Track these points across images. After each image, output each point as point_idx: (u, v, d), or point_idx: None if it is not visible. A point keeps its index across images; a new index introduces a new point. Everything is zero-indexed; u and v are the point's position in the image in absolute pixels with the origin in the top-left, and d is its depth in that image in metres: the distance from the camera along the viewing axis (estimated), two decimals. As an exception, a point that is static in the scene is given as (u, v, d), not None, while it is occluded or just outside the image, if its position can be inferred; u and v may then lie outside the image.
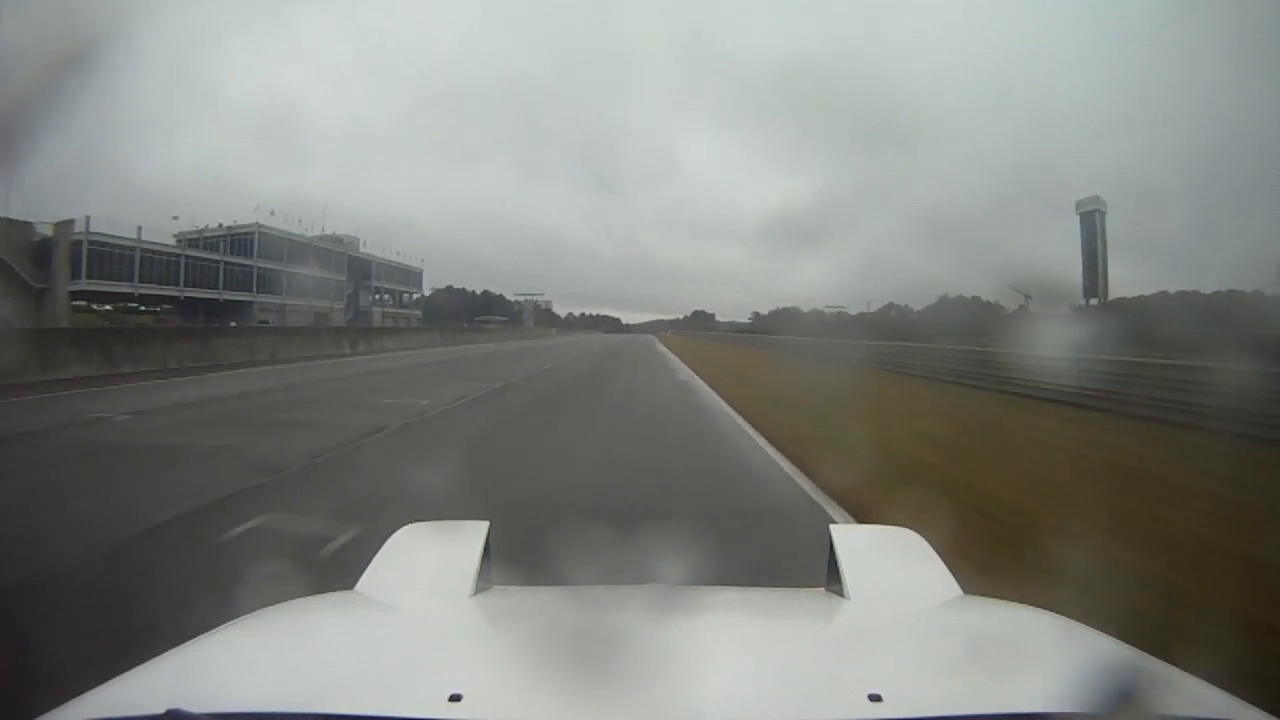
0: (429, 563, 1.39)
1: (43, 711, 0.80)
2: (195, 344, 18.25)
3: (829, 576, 1.32)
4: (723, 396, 12.64)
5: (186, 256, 43.15)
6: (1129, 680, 0.80)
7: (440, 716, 0.75)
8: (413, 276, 70.03)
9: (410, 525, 1.52)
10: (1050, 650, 1.06)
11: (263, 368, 17.88)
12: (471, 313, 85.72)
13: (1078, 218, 46.64)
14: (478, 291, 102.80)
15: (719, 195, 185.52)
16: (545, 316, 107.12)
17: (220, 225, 47.27)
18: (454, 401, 11.28)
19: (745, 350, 35.40)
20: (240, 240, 48.06)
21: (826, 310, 71.17)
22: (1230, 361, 9.82)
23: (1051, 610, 1.19)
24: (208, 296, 43.89)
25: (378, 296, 62.58)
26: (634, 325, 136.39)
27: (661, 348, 43.10)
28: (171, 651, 0.98)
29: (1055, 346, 13.59)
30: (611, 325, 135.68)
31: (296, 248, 51.69)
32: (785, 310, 73.69)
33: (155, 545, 3.94)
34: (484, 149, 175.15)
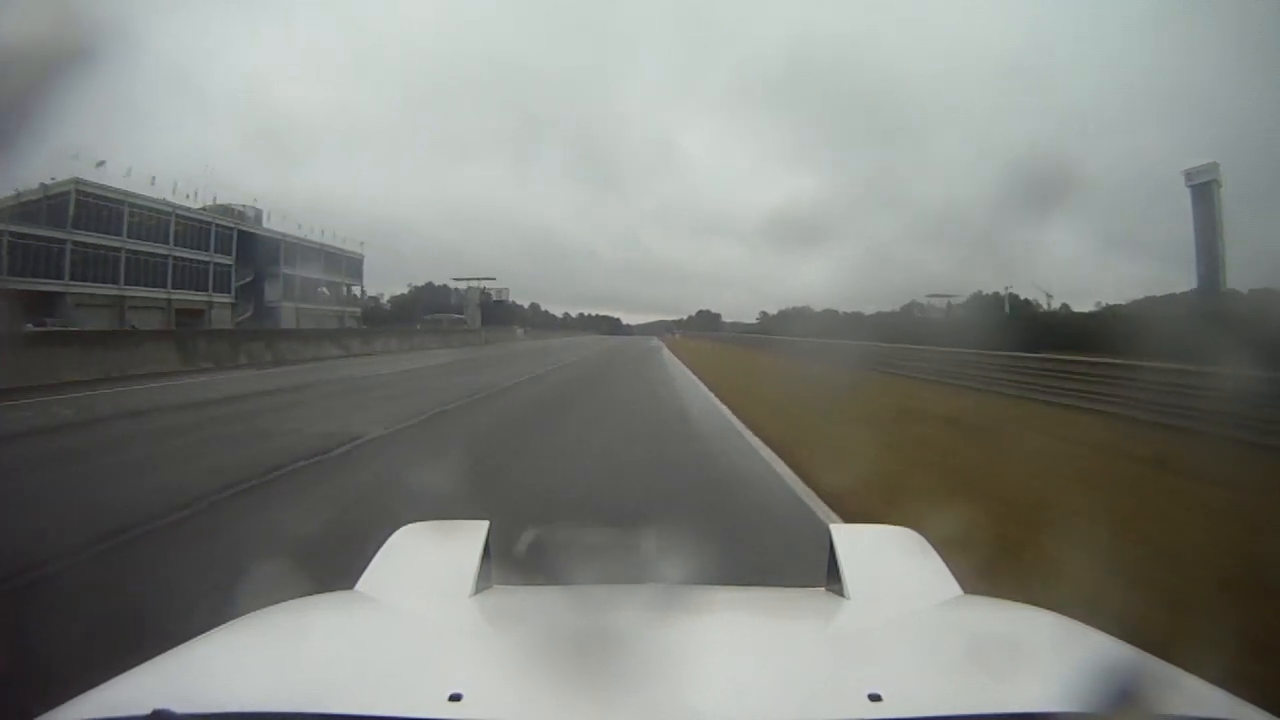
0: (429, 562, 1.39)
1: (42, 712, 0.80)
2: None
3: (829, 576, 1.32)
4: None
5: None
6: (1129, 680, 0.81)
7: (440, 716, 0.75)
8: (348, 265, 53.11)
9: (410, 525, 1.53)
10: (1050, 650, 1.06)
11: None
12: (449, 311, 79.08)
13: (1188, 191, 37.69)
14: (463, 288, 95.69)
15: (722, 191, 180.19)
16: (507, 312, 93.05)
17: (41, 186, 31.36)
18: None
19: (795, 362, 22.59)
20: (58, 206, 32.02)
21: (841, 311, 68.40)
22: None
23: (1052, 610, 1.18)
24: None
25: (323, 290, 50.36)
26: (635, 326, 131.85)
27: (672, 357, 29.31)
28: (171, 651, 0.98)
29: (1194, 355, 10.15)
30: (611, 326, 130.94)
31: (147, 218, 35.71)
32: (795, 310, 70.78)
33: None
34: (477, 144, 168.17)
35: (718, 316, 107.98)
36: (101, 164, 33.97)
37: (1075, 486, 5.60)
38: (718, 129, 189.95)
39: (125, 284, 35.41)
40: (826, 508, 4.91)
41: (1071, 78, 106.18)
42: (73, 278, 32.29)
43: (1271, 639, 2.58)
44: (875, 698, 0.78)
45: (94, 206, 33.88)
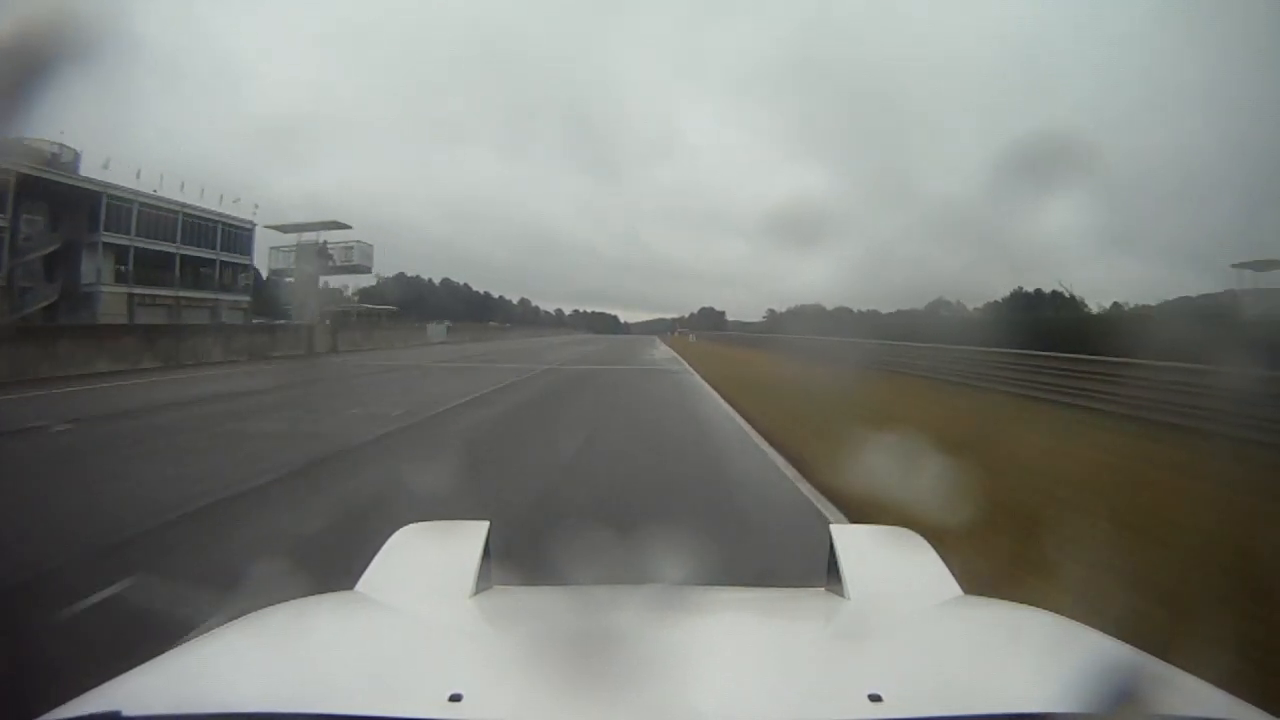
0: (429, 563, 1.39)
1: (43, 712, 0.80)
2: None
3: (829, 576, 1.32)
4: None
5: None
6: (1129, 680, 0.82)
7: (440, 716, 0.75)
8: (232, 239, 37.59)
9: (410, 525, 1.52)
10: (1050, 650, 1.06)
11: None
12: (424, 307, 69.57)
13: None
14: (435, 281, 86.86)
15: (725, 184, 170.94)
16: (483, 307, 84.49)
17: None
18: None
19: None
20: None
21: (855, 309, 64.54)
22: None
23: (1052, 610, 1.19)
24: None
25: (212, 271, 35.59)
26: (634, 325, 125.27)
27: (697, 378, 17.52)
28: (171, 652, 0.98)
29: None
30: (608, 324, 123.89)
31: None
32: (806, 308, 67.59)
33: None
34: (466, 130, 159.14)
35: (722, 314, 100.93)
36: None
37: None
38: (722, 116, 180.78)
39: None
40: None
41: (1080, 69, 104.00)
42: None
43: None
44: (875, 698, 0.78)
45: None
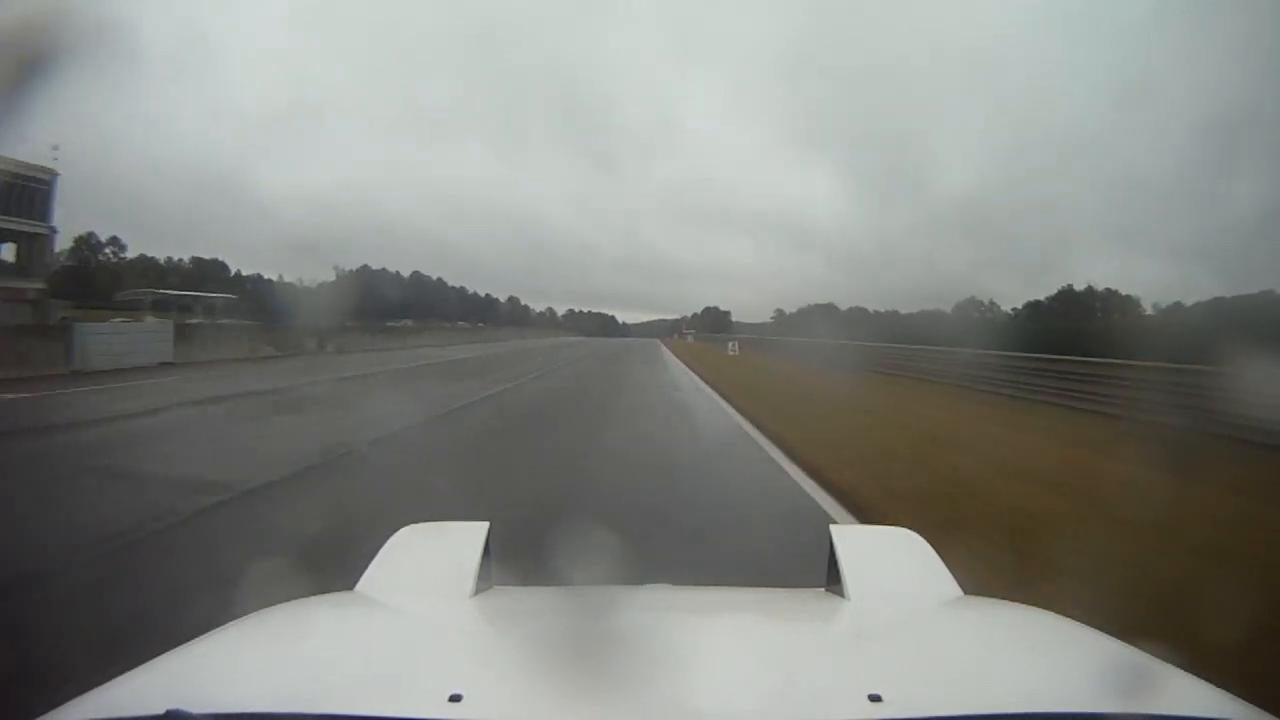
0: (429, 563, 1.40)
1: (43, 712, 0.80)
2: None
3: (829, 577, 1.33)
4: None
5: None
6: (1129, 680, 0.83)
7: (440, 717, 0.74)
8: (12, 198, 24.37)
9: (410, 525, 1.52)
10: (1050, 650, 1.06)
11: None
12: (386, 304, 61.79)
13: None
14: (405, 274, 77.02)
15: (729, 179, 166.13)
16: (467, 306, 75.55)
17: None
18: None
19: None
20: None
21: (872, 310, 61.05)
22: None
23: (1052, 611, 1.19)
24: None
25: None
26: (634, 326, 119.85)
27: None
28: (171, 652, 0.98)
29: None
30: (605, 325, 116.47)
31: None
32: (818, 308, 64.76)
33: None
34: (455, 121, 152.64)
35: (727, 314, 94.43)
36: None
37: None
38: (726, 102, 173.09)
39: None
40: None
41: (1088, 64, 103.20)
42: None
43: None
44: (875, 698, 0.78)
45: None
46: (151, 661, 0.94)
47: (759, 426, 9.64)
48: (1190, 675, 0.88)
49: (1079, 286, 45.52)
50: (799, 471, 6.76)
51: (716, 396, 14.44)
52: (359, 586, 1.28)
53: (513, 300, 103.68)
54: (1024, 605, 1.27)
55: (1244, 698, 0.83)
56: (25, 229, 26.60)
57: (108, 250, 58.62)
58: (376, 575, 1.32)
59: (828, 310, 62.57)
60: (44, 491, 5.65)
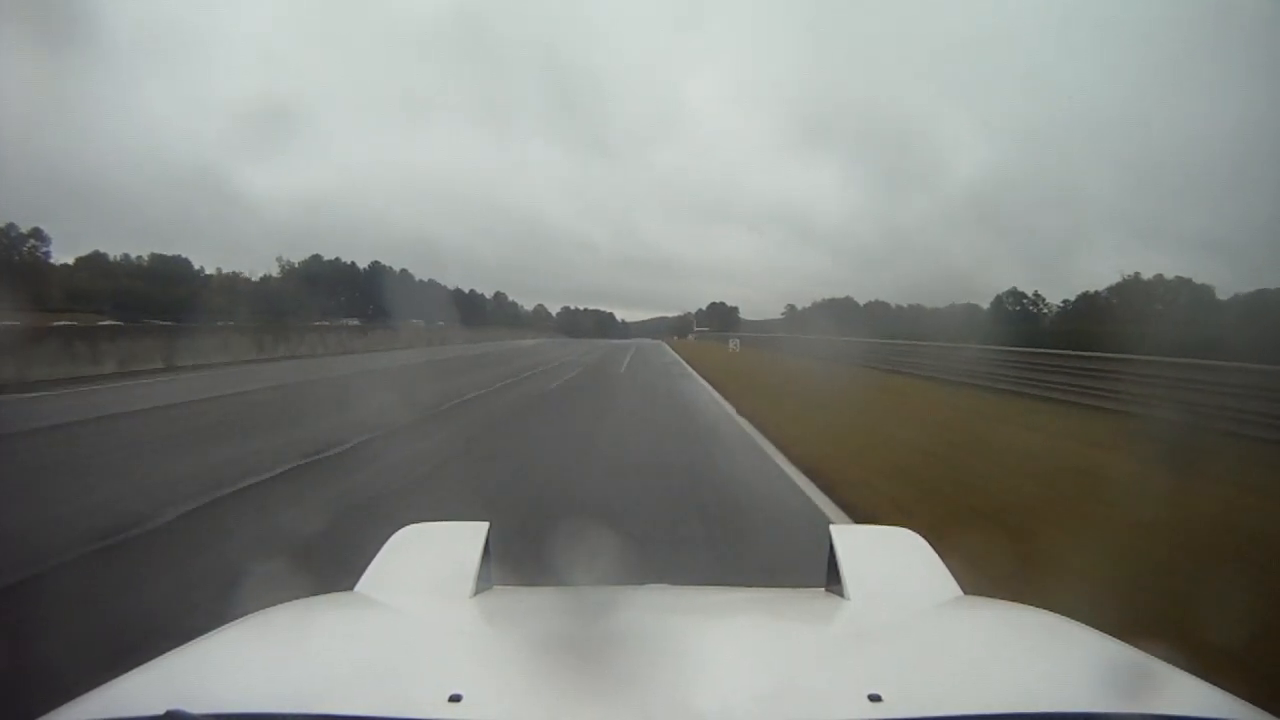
0: (429, 563, 1.39)
1: (43, 712, 0.80)
2: None
3: (829, 577, 1.33)
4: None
5: None
6: (1129, 680, 0.84)
7: (440, 717, 0.74)
8: None
9: (410, 525, 1.52)
10: (1050, 650, 1.06)
11: None
12: (341, 298, 56.12)
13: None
14: (362, 265, 71.60)
15: (733, 169, 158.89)
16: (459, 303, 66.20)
17: None
18: None
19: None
20: None
21: (894, 304, 56.13)
22: None
23: (1052, 610, 1.18)
24: None
25: None
26: (633, 324, 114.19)
27: None
28: (172, 652, 0.98)
29: None
30: (602, 324, 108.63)
31: None
32: (835, 303, 61.11)
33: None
34: (446, 111, 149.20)
35: (734, 310, 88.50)
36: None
37: None
38: (731, 88, 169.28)
39: None
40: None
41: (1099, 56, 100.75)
42: None
43: None
44: (875, 698, 0.78)
45: None
46: (151, 661, 0.94)
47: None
48: (1190, 675, 0.88)
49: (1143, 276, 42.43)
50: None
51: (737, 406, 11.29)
52: (359, 586, 1.28)
53: (500, 296, 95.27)
54: (1024, 605, 1.27)
55: (1245, 698, 0.82)
56: None
57: (31, 244, 52.55)
58: (376, 575, 1.32)
59: (844, 305, 59.43)
60: None
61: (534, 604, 1.36)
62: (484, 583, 1.29)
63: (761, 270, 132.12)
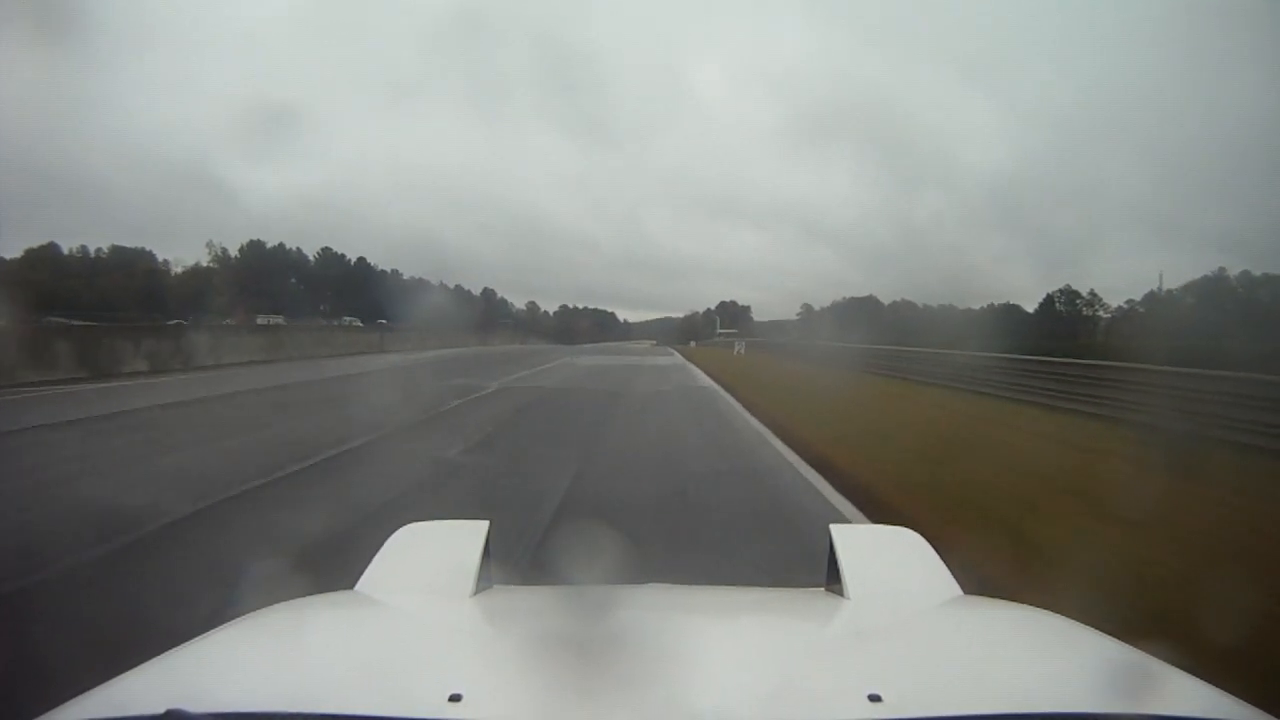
0: (429, 562, 1.40)
1: (43, 711, 0.80)
2: None
3: (829, 576, 1.33)
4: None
5: None
6: (1129, 680, 0.83)
7: (440, 716, 0.75)
8: None
9: (410, 525, 1.52)
10: (1050, 650, 1.07)
11: None
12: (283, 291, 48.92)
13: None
14: (324, 253, 61.81)
15: (741, 162, 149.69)
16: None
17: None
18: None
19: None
20: None
21: (921, 304, 49.03)
22: None
23: (1052, 611, 1.18)
24: None
25: None
26: (635, 325, 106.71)
27: None
28: (171, 651, 0.98)
29: None
30: (601, 325, 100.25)
31: None
32: (854, 302, 56.53)
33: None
34: (432, 92, 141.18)
35: (746, 310, 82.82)
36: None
37: None
38: (739, 77, 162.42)
39: None
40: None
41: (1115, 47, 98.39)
42: None
43: None
44: (875, 698, 0.78)
45: None
46: (151, 661, 0.94)
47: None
48: (1190, 675, 0.88)
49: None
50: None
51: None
52: (359, 586, 1.29)
53: (488, 294, 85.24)
54: (1024, 605, 1.27)
55: (1245, 697, 0.82)
56: None
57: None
58: (376, 574, 1.32)
59: (866, 305, 55.34)
60: None
61: (534, 603, 1.37)
62: (484, 582, 1.29)
63: (773, 269, 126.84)
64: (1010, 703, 0.79)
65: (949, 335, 29.18)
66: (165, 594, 3.53)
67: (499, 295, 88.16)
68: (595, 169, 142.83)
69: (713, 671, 0.90)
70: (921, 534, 1.49)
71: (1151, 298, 36.48)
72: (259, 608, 1.18)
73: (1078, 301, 42.54)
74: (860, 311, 51.26)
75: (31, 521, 5.07)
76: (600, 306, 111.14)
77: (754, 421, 10.49)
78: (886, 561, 1.38)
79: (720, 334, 60.06)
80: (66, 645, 2.87)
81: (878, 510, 5.41)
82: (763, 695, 0.84)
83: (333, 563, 2.17)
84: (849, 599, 1.20)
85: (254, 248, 56.03)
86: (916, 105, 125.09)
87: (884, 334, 35.56)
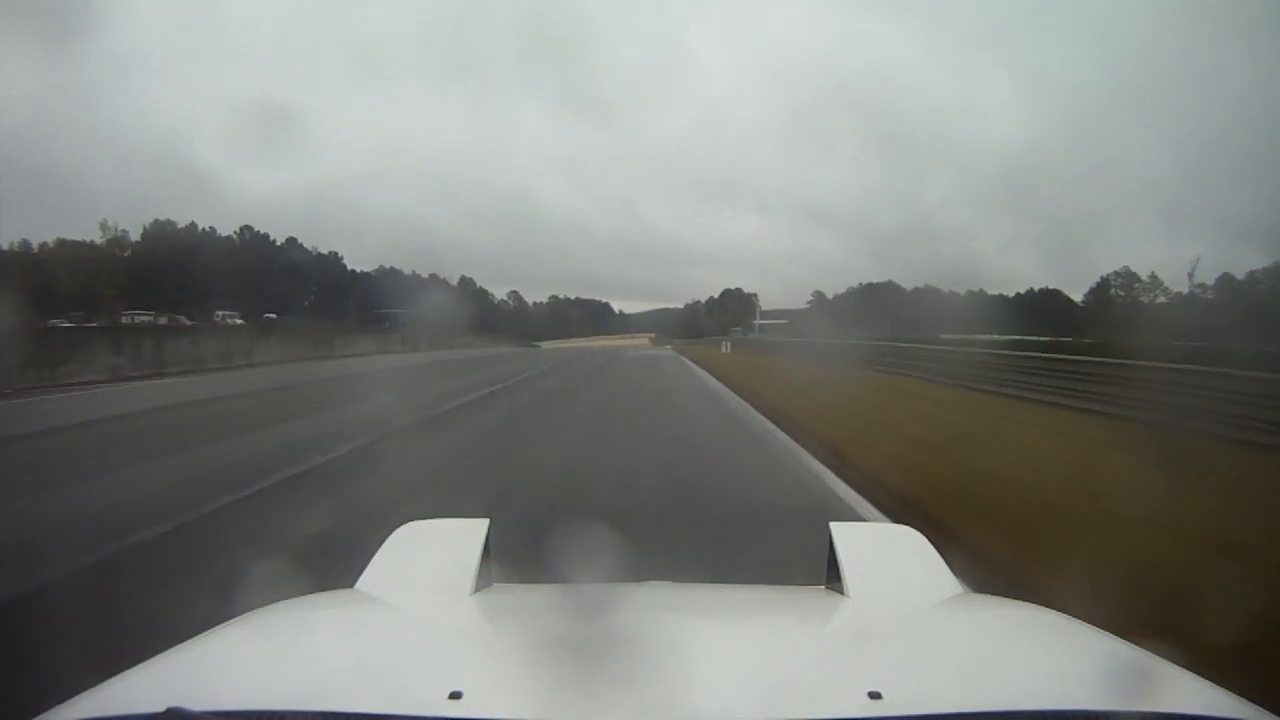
0: (429, 561, 1.40)
1: (42, 711, 0.80)
2: None
3: (829, 574, 1.33)
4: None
5: None
6: (1130, 678, 0.83)
7: (440, 715, 0.74)
8: None
9: (410, 523, 1.52)
10: (1051, 648, 1.06)
11: None
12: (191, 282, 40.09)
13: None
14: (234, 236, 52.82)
15: (743, 146, 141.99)
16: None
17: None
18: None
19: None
20: None
21: (947, 290, 43.66)
22: None
23: (1053, 609, 1.18)
24: None
25: None
26: (632, 317, 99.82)
27: None
28: (172, 650, 0.98)
29: None
30: (595, 317, 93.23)
31: None
32: (872, 288, 51.52)
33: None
34: (398, 58, 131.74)
35: (752, 298, 75.10)
36: None
37: None
38: (740, 48, 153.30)
39: None
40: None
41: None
42: None
43: None
44: (875, 696, 0.78)
45: None
46: (152, 660, 0.94)
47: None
48: (1192, 674, 0.88)
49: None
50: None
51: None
52: (359, 584, 1.29)
53: (466, 283, 75.97)
54: (1025, 603, 1.28)
55: (1247, 696, 0.82)
56: None
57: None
58: (376, 573, 1.32)
59: (885, 292, 49.68)
60: None
61: (534, 601, 1.37)
62: (484, 580, 1.29)
63: (780, 255, 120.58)
64: (1011, 700, 0.80)
65: (980, 324, 25.85)
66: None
67: (477, 285, 78.92)
68: (588, 148, 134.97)
69: (713, 669, 0.91)
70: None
71: (1226, 280, 33.10)
72: (258, 607, 1.19)
73: (1136, 285, 38.13)
74: (879, 299, 47.47)
75: None
76: (594, 297, 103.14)
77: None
78: (887, 559, 1.39)
79: (761, 323, 51.14)
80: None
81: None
82: (763, 693, 0.84)
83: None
84: (849, 597, 1.20)
85: (158, 228, 46.28)
86: (927, 80, 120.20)
87: (905, 326, 32.24)
